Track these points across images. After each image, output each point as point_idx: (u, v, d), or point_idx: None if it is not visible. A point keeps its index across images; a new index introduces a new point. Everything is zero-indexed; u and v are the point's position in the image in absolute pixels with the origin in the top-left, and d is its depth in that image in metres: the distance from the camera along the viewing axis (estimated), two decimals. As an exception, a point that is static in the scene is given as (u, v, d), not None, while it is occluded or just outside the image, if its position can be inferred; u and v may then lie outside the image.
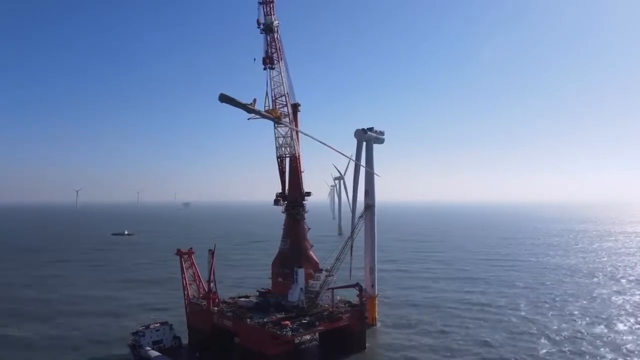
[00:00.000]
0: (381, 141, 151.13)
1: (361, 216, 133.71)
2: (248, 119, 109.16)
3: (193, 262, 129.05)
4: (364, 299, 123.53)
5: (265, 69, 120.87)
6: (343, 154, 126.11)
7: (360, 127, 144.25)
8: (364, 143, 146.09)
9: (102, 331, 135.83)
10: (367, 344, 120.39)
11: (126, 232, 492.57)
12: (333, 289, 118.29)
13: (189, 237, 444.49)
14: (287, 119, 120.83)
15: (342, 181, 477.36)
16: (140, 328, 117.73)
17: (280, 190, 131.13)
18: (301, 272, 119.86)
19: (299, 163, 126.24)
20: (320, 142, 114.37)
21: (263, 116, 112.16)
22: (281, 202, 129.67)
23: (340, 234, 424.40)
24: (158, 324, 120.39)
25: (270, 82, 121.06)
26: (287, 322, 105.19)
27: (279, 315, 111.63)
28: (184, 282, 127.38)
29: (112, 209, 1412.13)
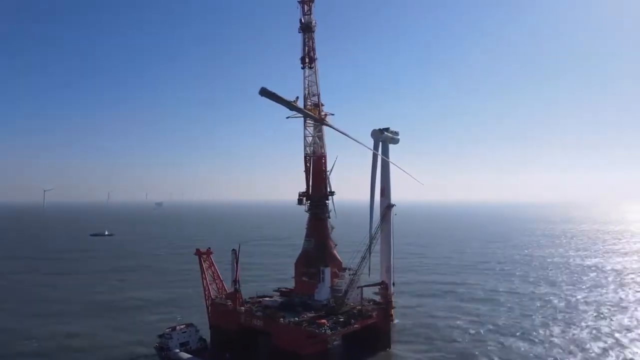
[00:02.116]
0: (396, 141, 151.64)
1: (384, 216, 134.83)
2: (287, 117, 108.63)
3: (212, 262, 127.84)
4: (388, 297, 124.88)
5: (303, 67, 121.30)
6: (370, 149, 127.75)
7: (377, 128, 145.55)
8: (380, 143, 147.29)
9: (121, 334, 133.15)
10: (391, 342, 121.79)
11: (106, 233, 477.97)
12: (362, 287, 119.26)
13: (174, 236, 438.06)
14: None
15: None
16: (167, 330, 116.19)
17: (303, 190, 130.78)
18: (328, 271, 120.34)
19: (325, 163, 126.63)
20: (356, 141, 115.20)
21: (306, 115, 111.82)
22: (304, 201, 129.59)
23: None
24: (184, 326, 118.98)
25: (305, 81, 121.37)
26: (323, 320, 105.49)
27: (310, 315, 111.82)
28: (205, 282, 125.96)
29: (81, 209, 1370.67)
